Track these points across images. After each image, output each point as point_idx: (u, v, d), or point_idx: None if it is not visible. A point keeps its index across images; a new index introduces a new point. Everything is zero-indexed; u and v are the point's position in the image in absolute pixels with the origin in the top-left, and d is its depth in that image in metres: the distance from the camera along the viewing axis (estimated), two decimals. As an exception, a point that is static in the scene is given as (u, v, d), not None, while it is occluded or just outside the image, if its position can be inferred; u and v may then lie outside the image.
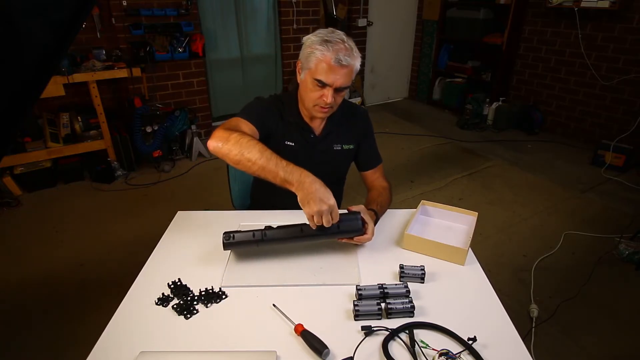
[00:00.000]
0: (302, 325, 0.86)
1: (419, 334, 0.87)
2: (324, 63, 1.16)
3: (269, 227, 1.07)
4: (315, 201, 0.99)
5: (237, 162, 1.07)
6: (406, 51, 5.26)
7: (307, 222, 1.05)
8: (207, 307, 0.95)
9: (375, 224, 1.17)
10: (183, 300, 0.96)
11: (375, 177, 1.45)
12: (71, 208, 2.81)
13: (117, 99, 3.43)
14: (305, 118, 1.34)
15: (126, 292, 0.99)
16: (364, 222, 1.09)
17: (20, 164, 2.91)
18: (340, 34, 1.19)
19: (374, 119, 1.51)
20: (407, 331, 0.87)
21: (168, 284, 1.01)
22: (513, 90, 4.46)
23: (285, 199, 1.14)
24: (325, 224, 1.01)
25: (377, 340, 0.86)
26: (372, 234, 1.11)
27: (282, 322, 0.90)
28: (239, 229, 1.09)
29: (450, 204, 1.30)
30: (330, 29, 1.22)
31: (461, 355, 0.81)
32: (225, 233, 1.06)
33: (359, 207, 1.13)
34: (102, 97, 3.04)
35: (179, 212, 1.34)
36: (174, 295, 0.98)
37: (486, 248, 2.40)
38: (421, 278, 1.03)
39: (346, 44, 1.17)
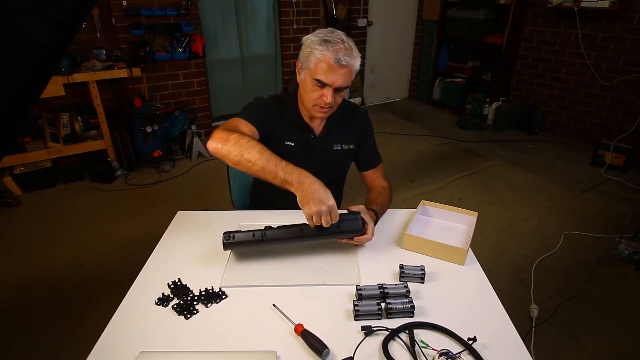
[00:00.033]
0: (302, 325, 0.86)
1: (419, 334, 0.87)
2: (324, 63, 1.16)
3: (269, 227, 1.07)
4: (315, 201, 0.99)
5: (237, 163, 1.07)
6: (406, 51, 5.26)
7: (307, 222, 1.06)
8: (207, 307, 0.95)
9: (375, 224, 1.17)
10: (183, 300, 0.96)
11: (375, 177, 1.45)
12: (71, 208, 2.81)
13: (117, 99, 3.43)
14: (305, 118, 1.34)
15: (126, 292, 0.99)
16: (364, 222, 1.09)
17: (20, 164, 2.91)
18: (339, 34, 1.19)
19: (374, 119, 1.51)
20: (407, 331, 0.87)
21: (168, 284, 1.01)
22: (513, 90, 4.46)
23: (285, 199, 1.14)
24: (324, 225, 1.01)
25: (377, 340, 0.86)
26: (372, 234, 1.11)
27: (282, 322, 0.90)
28: (239, 229, 1.09)
29: (450, 204, 1.30)
30: (329, 28, 1.22)
31: (461, 355, 0.81)
32: (225, 233, 1.06)
33: (359, 207, 1.13)
34: (102, 97, 3.04)
35: (179, 212, 1.34)
36: (174, 295, 0.98)
37: (486, 248, 2.40)
38: (421, 278, 1.03)
39: (346, 44, 1.17)
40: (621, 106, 3.61)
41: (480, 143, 3.96)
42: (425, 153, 3.75)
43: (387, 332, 0.86)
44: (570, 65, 3.89)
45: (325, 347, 0.81)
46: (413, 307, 0.91)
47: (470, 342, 0.83)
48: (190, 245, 1.17)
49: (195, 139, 3.51)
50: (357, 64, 1.20)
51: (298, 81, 1.28)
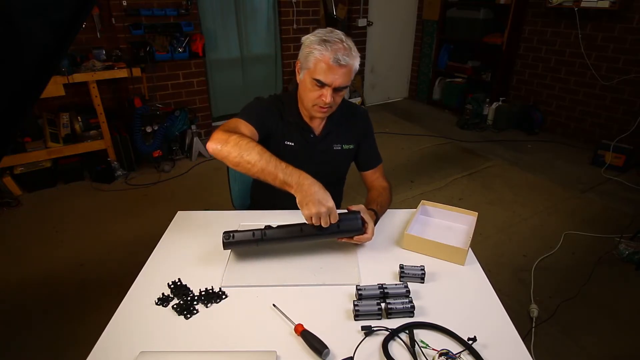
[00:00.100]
0: (302, 325, 0.86)
1: (419, 334, 0.87)
2: (323, 63, 1.16)
3: (268, 227, 1.07)
4: (314, 203, 0.99)
5: (237, 164, 1.08)
6: (406, 51, 5.26)
7: (307, 222, 1.06)
8: (207, 307, 0.95)
9: (375, 223, 1.17)
10: (183, 300, 0.96)
11: (375, 177, 1.45)
12: (71, 208, 2.81)
13: (117, 99, 3.43)
14: (305, 118, 1.34)
15: (126, 292, 0.99)
16: (363, 222, 1.09)
17: (20, 164, 2.91)
18: (339, 34, 1.19)
19: (374, 119, 1.51)
20: (407, 331, 0.87)
21: (168, 284, 1.01)
22: (513, 90, 4.46)
23: (285, 200, 1.14)
24: (323, 225, 1.01)
25: (377, 340, 0.86)
26: (372, 234, 1.11)
27: (282, 322, 0.90)
28: (238, 229, 1.09)
29: (450, 204, 1.30)
30: (329, 28, 1.22)
31: (461, 355, 0.81)
32: (225, 232, 1.06)
33: (359, 207, 1.13)
34: (102, 97, 3.04)
35: (179, 212, 1.34)
36: (174, 295, 0.98)
37: (486, 248, 2.40)
38: (421, 278, 1.03)
39: (345, 44, 1.17)
40: (621, 106, 3.61)
41: (480, 143, 3.96)
42: (425, 153, 3.75)
43: (387, 332, 0.86)
44: (570, 65, 3.89)
45: (325, 347, 0.81)
46: (413, 307, 0.91)
47: (470, 342, 0.83)
48: (190, 245, 1.17)
49: (195, 139, 3.52)
50: (356, 63, 1.20)
51: (298, 81, 1.28)
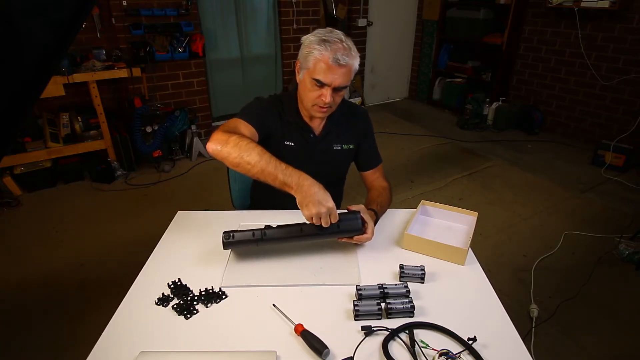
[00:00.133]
0: (302, 325, 0.86)
1: (419, 334, 0.87)
2: (322, 63, 1.16)
3: (268, 227, 1.07)
4: (314, 204, 0.99)
5: (237, 165, 1.08)
6: (406, 51, 5.26)
7: (307, 222, 1.06)
8: (207, 307, 0.95)
9: (375, 224, 1.18)
10: (183, 300, 0.96)
11: (375, 177, 1.45)
12: (71, 208, 2.81)
13: (117, 99, 3.43)
14: (304, 118, 1.34)
15: (126, 292, 0.99)
16: (363, 222, 1.09)
17: (20, 164, 2.91)
18: (338, 34, 1.19)
19: (374, 119, 1.51)
20: (407, 331, 0.87)
21: (168, 284, 1.01)
22: (513, 90, 4.46)
23: (285, 200, 1.14)
24: (323, 225, 1.01)
25: (377, 340, 0.86)
26: (372, 234, 1.11)
27: (282, 322, 0.90)
28: (238, 229, 1.09)
29: (450, 204, 1.30)
30: (328, 28, 1.22)
31: (461, 355, 0.81)
32: (225, 232, 1.06)
33: (359, 207, 1.13)
34: (102, 97, 3.04)
35: (179, 212, 1.34)
36: (174, 295, 0.98)
37: (486, 248, 2.40)
38: (421, 278, 1.03)
39: (344, 44, 1.17)
40: (621, 106, 3.61)
41: (480, 143, 3.96)
42: (425, 153, 3.75)
43: (387, 332, 0.86)
44: (570, 65, 3.89)
45: (325, 347, 0.81)
46: (413, 307, 0.91)
47: (470, 342, 0.83)
48: (190, 245, 1.17)
49: (195, 139, 3.52)
50: (355, 63, 1.20)
51: (297, 81, 1.28)
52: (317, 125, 1.36)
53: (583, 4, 3.50)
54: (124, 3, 3.05)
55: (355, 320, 0.90)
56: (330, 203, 1.01)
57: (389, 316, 0.91)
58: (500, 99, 4.31)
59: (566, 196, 2.98)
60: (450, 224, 1.29)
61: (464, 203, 2.87)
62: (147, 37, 3.17)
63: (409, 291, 0.96)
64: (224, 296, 0.98)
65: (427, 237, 1.13)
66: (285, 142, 1.33)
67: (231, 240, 1.05)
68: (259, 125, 1.25)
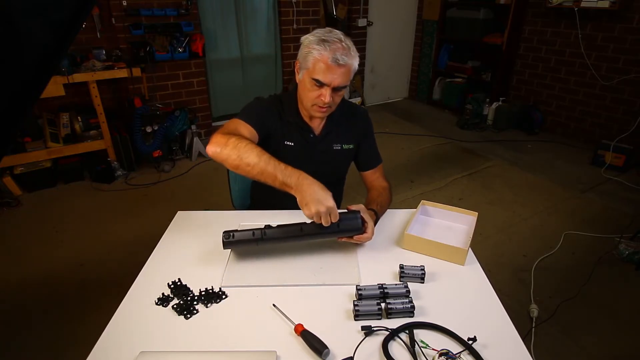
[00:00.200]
0: (302, 325, 0.86)
1: (419, 334, 0.87)
2: (322, 62, 1.16)
3: (268, 226, 1.07)
4: (314, 203, 0.99)
5: (236, 167, 1.08)
6: (406, 51, 5.26)
7: (307, 222, 1.06)
8: (207, 307, 0.95)
9: (375, 223, 1.18)
10: (183, 300, 0.96)
11: (375, 177, 1.45)
12: (71, 208, 2.81)
13: (117, 99, 3.43)
14: (304, 118, 1.34)
15: (126, 292, 0.99)
16: (363, 221, 1.09)
17: (20, 164, 2.91)
18: (337, 34, 1.19)
19: (374, 119, 1.51)
20: (407, 331, 0.87)
21: (168, 284, 1.01)
22: (513, 90, 4.46)
23: (285, 200, 1.14)
24: (324, 224, 1.01)
25: (377, 340, 0.86)
26: (372, 233, 1.11)
27: (282, 322, 0.90)
28: (238, 229, 1.09)
29: (450, 204, 1.30)
30: (328, 28, 1.22)
31: (461, 355, 0.81)
32: (225, 232, 1.06)
33: (359, 206, 1.13)
34: (102, 97, 3.04)
35: (179, 212, 1.34)
36: (174, 295, 0.98)
37: (486, 248, 2.40)
38: (421, 278, 1.03)
39: (343, 44, 1.17)
40: (621, 106, 3.61)
41: (480, 143, 3.96)
42: (425, 153, 3.75)
43: (387, 332, 0.86)
44: (570, 65, 3.89)
45: (325, 347, 0.81)
46: (413, 307, 0.91)
47: (470, 342, 0.83)
48: (190, 245, 1.17)
49: (195, 139, 3.51)
50: (355, 63, 1.20)
51: (297, 81, 1.28)
52: (317, 125, 1.36)
53: (583, 4, 3.50)
54: (124, 3, 3.05)
55: (355, 320, 0.90)
56: (330, 202, 1.01)
57: (389, 316, 0.91)
58: (500, 99, 4.31)
59: (566, 196, 2.98)
60: (450, 224, 1.29)
61: (464, 203, 2.87)
62: (147, 37, 3.17)
63: (409, 291, 0.96)
64: (224, 296, 0.98)
65: (427, 237, 1.13)
66: (285, 142, 1.33)
67: (231, 240, 1.05)
68: (259, 125, 1.25)
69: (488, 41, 4.29)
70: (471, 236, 1.15)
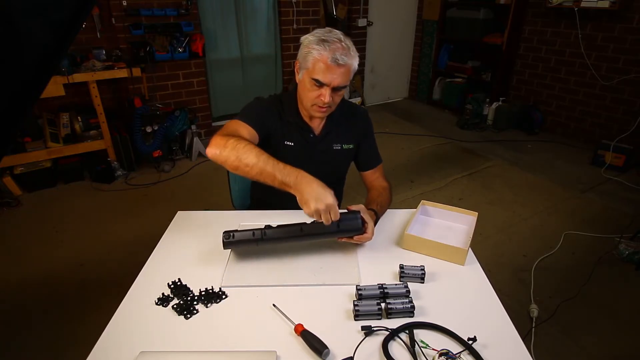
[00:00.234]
0: (302, 325, 0.86)
1: (419, 334, 0.87)
2: (321, 62, 1.16)
3: (268, 226, 1.07)
4: (314, 200, 0.99)
5: (236, 168, 1.08)
6: (406, 51, 5.26)
7: (307, 221, 1.05)
8: (207, 307, 0.95)
9: (375, 224, 1.18)
10: (183, 300, 0.96)
11: (375, 177, 1.45)
12: (71, 208, 2.81)
13: (117, 99, 3.43)
14: (304, 118, 1.34)
15: (126, 292, 0.99)
16: (363, 221, 1.09)
17: (20, 164, 2.91)
18: (337, 34, 1.19)
19: (374, 119, 1.51)
20: (407, 331, 0.87)
21: (168, 284, 1.01)
22: (513, 90, 4.46)
23: (285, 199, 1.14)
24: (324, 222, 1.01)
25: (377, 340, 0.86)
26: (372, 233, 1.11)
27: (282, 322, 0.90)
28: (238, 229, 1.09)
29: (450, 204, 1.30)
30: (327, 28, 1.22)
31: (461, 355, 0.81)
32: (225, 232, 1.06)
33: (359, 207, 1.13)
34: (102, 97, 3.04)
35: (179, 212, 1.34)
36: (174, 295, 0.98)
37: (486, 248, 2.40)
38: (421, 278, 1.03)
39: (343, 43, 1.17)
40: (621, 106, 3.61)
41: (480, 143, 3.96)
42: (425, 153, 3.75)
43: (387, 332, 0.86)
44: (570, 65, 3.89)
45: (325, 347, 0.81)
46: (413, 307, 0.91)
47: (470, 342, 0.83)
48: (190, 245, 1.17)
49: (195, 139, 3.51)
50: (354, 63, 1.20)
51: (297, 81, 1.28)
52: (317, 125, 1.36)
53: (583, 4, 3.50)
54: (124, 3, 3.05)
55: (355, 320, 0.90)
56: (330, 199, 1.00)
57: (389, 316, 0.91)
58: (500, 99, 4.31)
59: (566, 196, 2.98)
60: (450, 224, 1.29)
61: (464, 203, 2.87)
62: (147, 37, 3.17)
63: (409, 291, 0.96)
64: (224, 296, 0.98)
65: (427, 237, 1.13)
66: (285, 142, 1.33)
67: (231, 240, 1.05)
68: (259, 125, 1.25)
69: (488, 41, 4.29)
70: (471, 236, 1.15)
